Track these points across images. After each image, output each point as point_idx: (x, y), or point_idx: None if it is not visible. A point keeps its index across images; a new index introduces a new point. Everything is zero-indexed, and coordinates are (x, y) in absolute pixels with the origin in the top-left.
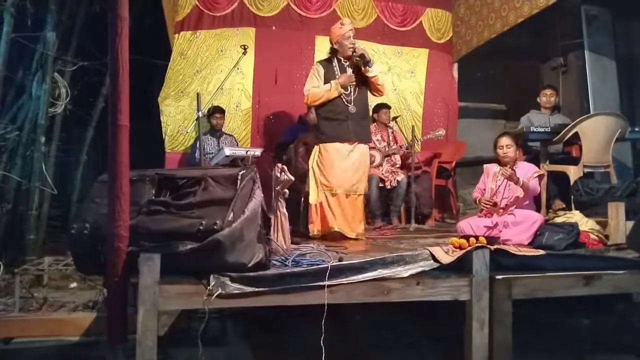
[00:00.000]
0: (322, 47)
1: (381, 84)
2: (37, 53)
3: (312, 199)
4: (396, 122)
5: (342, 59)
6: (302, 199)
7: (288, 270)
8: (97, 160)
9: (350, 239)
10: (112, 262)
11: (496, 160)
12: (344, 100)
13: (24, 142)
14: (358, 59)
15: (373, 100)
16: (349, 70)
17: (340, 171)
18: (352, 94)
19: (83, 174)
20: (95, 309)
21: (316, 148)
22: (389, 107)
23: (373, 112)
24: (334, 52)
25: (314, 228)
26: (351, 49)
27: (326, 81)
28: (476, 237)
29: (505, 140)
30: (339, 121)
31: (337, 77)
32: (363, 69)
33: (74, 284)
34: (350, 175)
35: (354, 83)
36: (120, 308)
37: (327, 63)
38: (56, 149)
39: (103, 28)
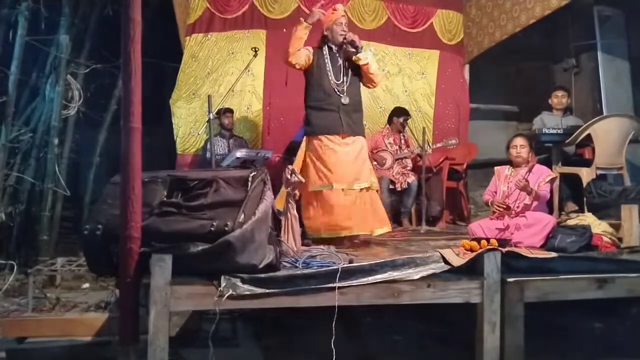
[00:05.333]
0: None
1: (373, 72)
2: (51, 56)
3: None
4: (407, 124)
5: (333, 47)
6: None
7: (298, 272)
8: (110, 162)
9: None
10: (124, 263)
11: (508, 161)
12: (336, 90)
13: (37, 144)
14: (349, 45)
15: (384, 102)
16: (340, 60)
17: (334, 165)
18: (344, 84)
19: (96, 175)
20: (107, 310)
21: (304, 141)
22: (408, 116)
23: (392, 115)
24: (324, 39)
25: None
26: (342, 36)
27: (316, 68)
28: (487, 240)
29: (519, 141)
30: (329, 111)
31: (327, 66)
32: (354, 57)
33: (86, 285)
34: (346, 171)
35: (338, 79)
36: (132, 308)
37: (318, 50)
38: (69, 150)
39: (116, 31)
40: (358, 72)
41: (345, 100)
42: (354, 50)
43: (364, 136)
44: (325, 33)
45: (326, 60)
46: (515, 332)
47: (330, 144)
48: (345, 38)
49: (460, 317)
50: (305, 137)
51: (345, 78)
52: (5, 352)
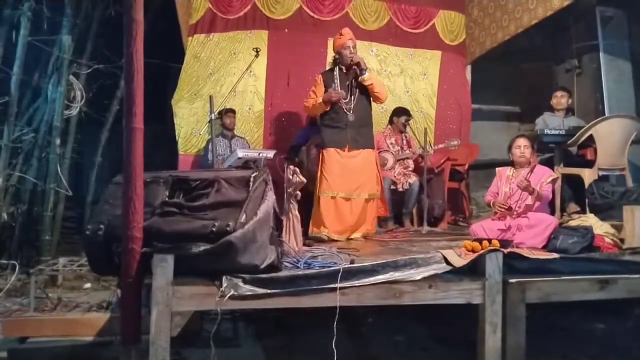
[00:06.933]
0: None
1: (378, 91)
2: (53, 56)
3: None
4: (409, 124)
5: (343, 68)
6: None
7: (300, 272)
8: (112, 162)
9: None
10: (126, 263)
11: (510, 162)
12: (344, 108)
13: (39, 144)
14: (355, 67)
15: (386, 102)
16: (348, 80)
17: (338, 175)
18: (351, 102)
19: (98, 175)
20: (109, 310)
21: (320, 154)
22: (409, 116)
23: (393, 115)
24: (335, 61)
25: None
26: (350, 58)
27: (325, 90)
28: (489, 240)
29: (522, 141)
30: (338, 129)
31: (335, 85)
32: (360, 78)
33: (88, 285)
34: (348, 180)
35: (345, 98)
36: (133, 309)
37: (329, 72)
38: (71, 150)
39: (118, 31)
40: (366, 90)
41: (351, 117)
42: (359, 69)
43: (373, 147)
44: (336, 56)
45: (336, 81)
46: (516, 333)
47: (337, 156)
48: (352, 60)
49: (462, 317)
50: (320, 151)
51: (352, 97)
52: (7, 352)
